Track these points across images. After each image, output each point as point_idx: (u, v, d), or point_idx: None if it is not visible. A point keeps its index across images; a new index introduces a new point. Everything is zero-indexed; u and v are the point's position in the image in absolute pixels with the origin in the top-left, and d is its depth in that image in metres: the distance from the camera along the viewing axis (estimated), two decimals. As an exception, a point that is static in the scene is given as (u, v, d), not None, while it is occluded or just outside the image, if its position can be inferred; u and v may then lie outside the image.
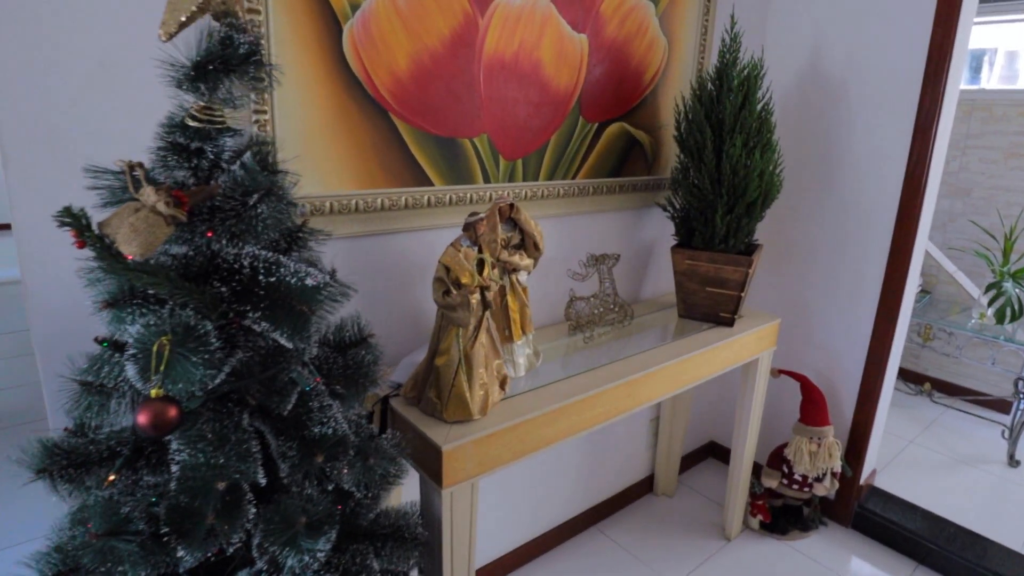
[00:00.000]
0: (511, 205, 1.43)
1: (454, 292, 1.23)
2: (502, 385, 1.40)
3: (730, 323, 1.87)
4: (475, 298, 1.25)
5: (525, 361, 1.53)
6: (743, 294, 1.83)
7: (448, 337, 1.28)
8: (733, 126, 1.74)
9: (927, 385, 3.42)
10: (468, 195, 1.57)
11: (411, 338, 1.57)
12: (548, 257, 1.80)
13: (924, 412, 3.23)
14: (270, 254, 0.85)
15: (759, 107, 1.77)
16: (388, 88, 1.36)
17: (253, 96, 1.19)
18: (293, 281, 0.83)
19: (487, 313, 1.31)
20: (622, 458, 2.32)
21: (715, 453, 2.74)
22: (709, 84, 1.79)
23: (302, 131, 1.28)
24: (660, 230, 2.14)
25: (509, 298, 1.46)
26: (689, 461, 2.63)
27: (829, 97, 2.11)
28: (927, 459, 2.77)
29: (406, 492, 1.57)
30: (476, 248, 1.27)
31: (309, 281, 0.84)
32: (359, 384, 1.05)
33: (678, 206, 1.92)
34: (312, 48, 1.25)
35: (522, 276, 1.50)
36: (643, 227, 2.09)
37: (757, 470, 2.36)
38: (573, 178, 1.79)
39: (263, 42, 1.18)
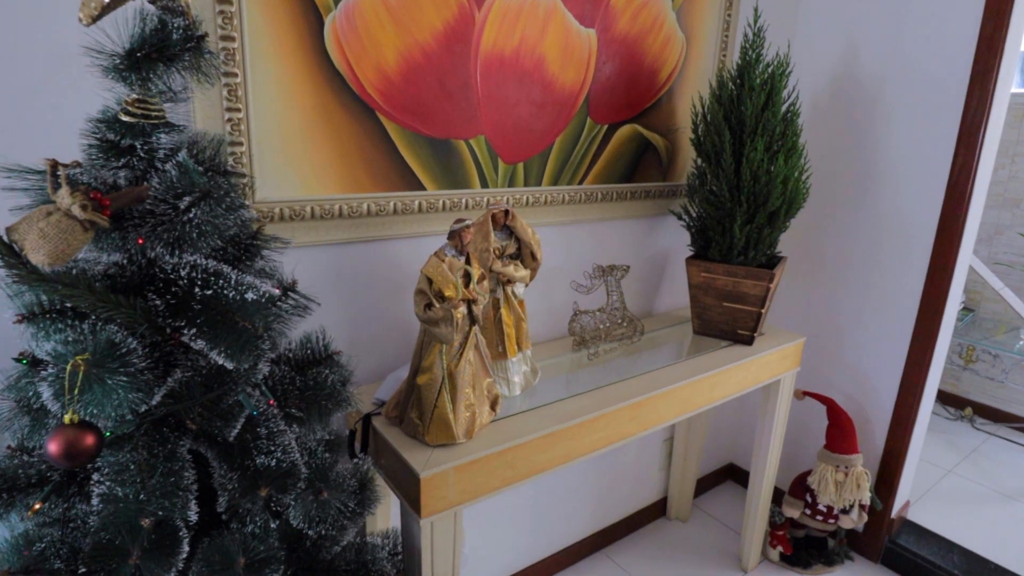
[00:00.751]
0: (506, 211, 1.32)
1: (436, 306, 1.13)
2: (493, 406, 1.30)
3: (749, 341, 1.73)
4: (460, 312, 1.15)
5: (521, 379, 1.42)
6: (764, 310, 1.69)
7: (431, 354, 1.18)
8: (755, 128, 1.61)
9: (968, 410, 3.19)
10: (464, 200, 1.47)
11: (400, 351, 1.48)
12: (551, 267, 1.69)
13: (964, 439, 3.00)
14: (211, 264, 0.76)
15: (784, 108, 1.64)
16: (375, 86, 1.28)
17: (225, 93, 1.12)
18: (232, 295, 0.75)
19: (475, 329, 1.21)
20: (633, 479, 2.19)
21: (734, 476, 2.58)
22: (729, 83, 1.66)
23: (280, 131, 1.20)
24: (674, 240, 2.01)
25: (503, 312, 1.36)
26: (705, 484, 2.48)
27: (864, 98, 1.96)
28: (966, 491, 2.56)
29: (395, 513, 1.47)
30: (463, 258, 1.17)
31: (250, 295, 0.75)
32: (322, 407, 0.96)
33: (694, 214, 1.80)
34: (290, 42, 1.17)
35: (518, 288, 1.40)
36: (656, 237, 1.96)
37: (778, 497, 2.20)
38: (580, 183, 1.68)
39: (235, 35, 1.10)
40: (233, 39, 1.10)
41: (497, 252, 1.35)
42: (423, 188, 1.40)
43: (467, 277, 1.17)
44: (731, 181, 1.64)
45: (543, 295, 1.70)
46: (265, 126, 1.18)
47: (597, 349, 1.64)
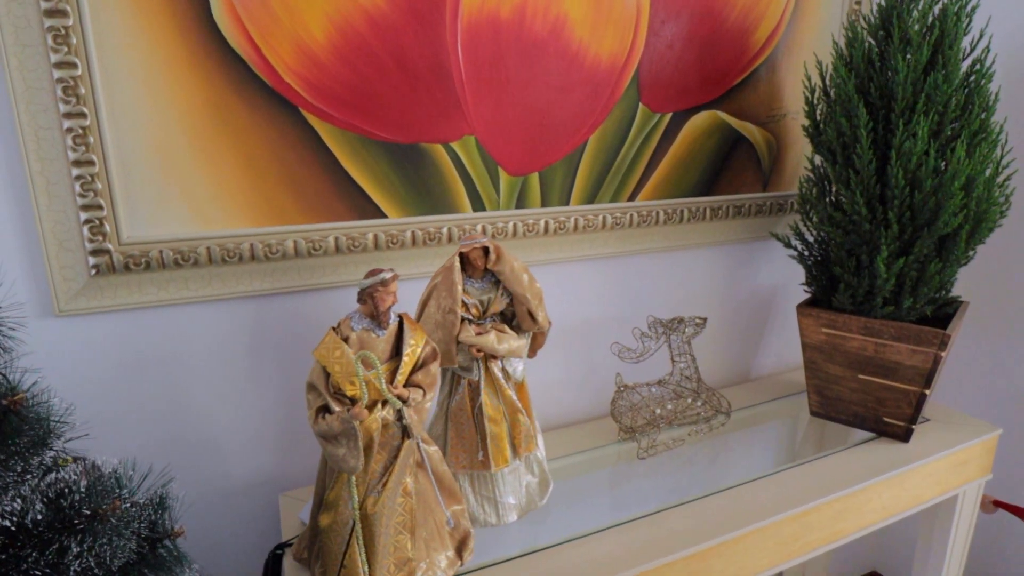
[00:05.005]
0: (484, 249, 0.86)
1: (334, 412, 0.70)
2: (459, 550, 0.84)
3: (904, 436, 1.11)
4: (373, 422, 0.71)
5: (520, 497, 0.95)
6: (928, 390, 1.07)
7: (337, 483, 0.75)
8: (911, 103, 1.01)
9: None
10: (445, 230, 1.03)
11: (360, 442, 1.06)
12: (587, 318, 1.19)
13: None
14: None
15: (964, 67, 1.02)
16: (295, 71, 0.88)
17: (60, 92, 0.77)
18: None
19: (414, 443, 0.76)
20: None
21: (884, 591, 1.87)
22: (865, 35, 1.07)
23: (155, 142, 0.83)
24: (780, 275, 1.41)
25: (485, 401, 0.89)
26: (840, 602, 1.80)
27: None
28: None
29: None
30: (382, 333, 0.73)
31: None
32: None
33: (811, 239, 1.21)
34: (157, 14, 0.80)
35: (514, 366, 0.93)
36: (751, 272, 1.38)
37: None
38: (630, 199, 1.17)
39: (66, 6, 0.75)
40: (64, 13, 0.75)
41: (476, 311, 0.89)
42: (382, 215, 0.98)
43: (401, 360, 0.73)
44: (870, 188, 1.05)
45: (576, 355, 1.21)
46: (129, 136, 0.82)
47: (653, 441, 1.11)
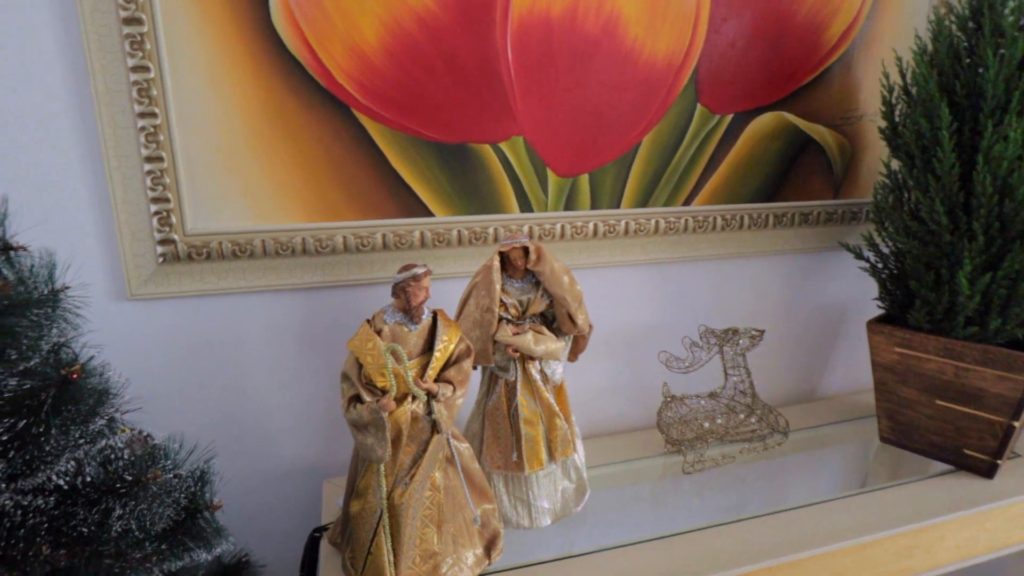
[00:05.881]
0: (525, 249, 0.86)
1: (364, 402, 0.71)
2: (488, 548, 0.83)
3: (986, 471, 1.01)
4: (402, 414, 0.72)
5: (555, 502, 0.93)
6: (1017, 422, 0.96)
7: (368, 472, 0.76)
8: (1004, 101, 0.91)
9: None
10: (491, 230, 1.03)
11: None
12: (637, 324, 1.16)
13: None
14: None
15: (1067, 63, 0.91)
16: (348, 72, 0.91)
17: (135, 93, 0.84)
18: None
19: (444, 438, 0.76)
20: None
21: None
22: (953, 28, 0.98)
23: (218, 140, 0.89)
24: (851, 289, 1.31)
25: (521, 403, 0.88)
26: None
27: None
28: None
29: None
30: (415, 327, 0.74)
31: None
32: None
33: (886, 251, 1.12)
34: (222, 20, 0.86)
35: (553, 368, 0.91)
36: (817, 283, 1.29)
37: None
38: (685, 203, 1.13)
39: (142, 15, 0.82)
40: (140, 21, 0.82)
41: (515, 311, 0.88)
42: (428, 213, 1.00)
43: (427, 356, 0.73)
44: (952, 195, 0.96)
45: (623, 362, 1.18)
46: (195, 135, 0.88)
47: (700, 456, 1.06)
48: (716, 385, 1.11)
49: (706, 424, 1.07)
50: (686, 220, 1.12)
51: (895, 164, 1.09)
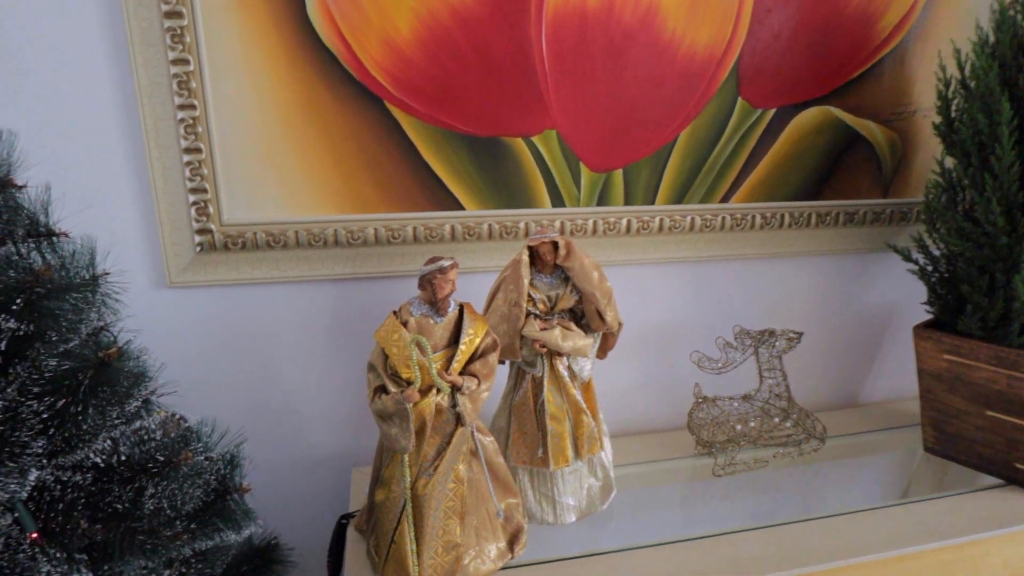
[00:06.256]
0: (554, 244, 0.85)
1: (389, 392, 0.72)
2: (511, 542, 0.83)
3: (1040, 487, 0.95)
4: (426, 406, 0.72)
5: (580, 499, 0.92)
6: (1076, 437, 0.90)
7: (393, 462, 0.77)
8: (1070, 97, 0.86)
9: None
10: (522, 224, 1.02)
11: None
12: (664, 324, 1.14)
13: None
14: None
15: None
16: (381, 65, 0.91)
17: (175, 86, 0.86)
18: None
19: (468, 431, 0.76)
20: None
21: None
22: (1018, 17, 0.93)
23: (253, 132, 0.90)
24: (898, 292, 1.26)
25: (547, 398, 0.88)
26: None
27: None
28: None
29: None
30: (440, 319, 0.73)
31: None
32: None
33: (936, 253, 1.06)
34: (259, 13, 0.87)
35: (581, 365, 0.90)
36: (861, 286, 1.24)
37: None
38: (723, 201, 1.09)
39: (182, 8, 0.83)
40: (180, 15, 0.84)
41: (543, 306, 0.87)
42: (459, 207, 1.00)
43: (453, 349, 0.73)
44: (1010, 195, 0.90)
45: (654, 361, 1.16)
46: (231, 127, 0.90)
47: (732, 459, 1.04)
48: (750, 387, 1.08)
49: (738, 427, 1.04)
50: (723, 218, 1.09)
51: (949, 162, 1.04)
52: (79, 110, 0.85)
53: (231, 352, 0.98)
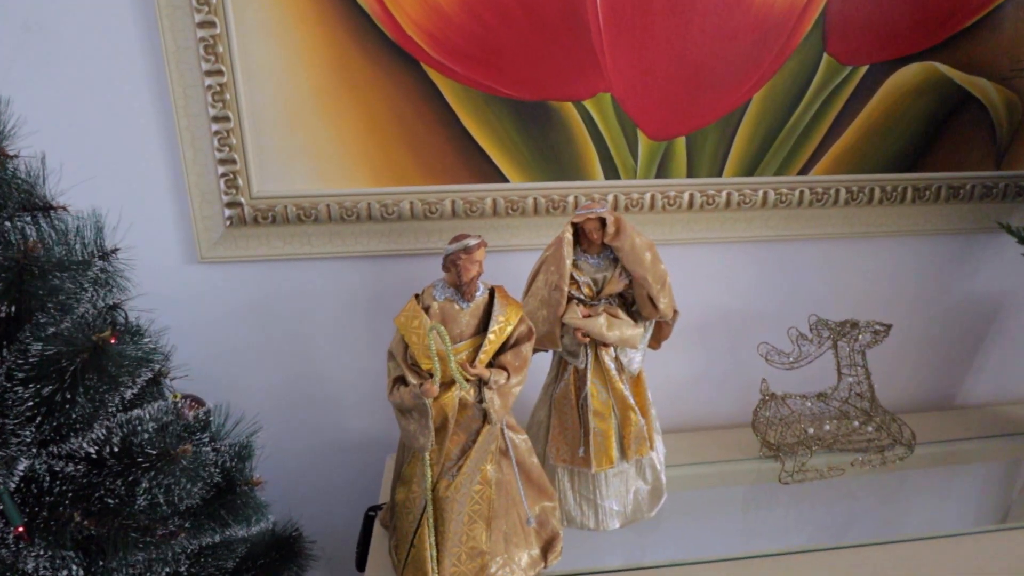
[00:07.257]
0: (602, 220, 0.75)
1: (409, 384, 0.65)
2: (545, 550, 0.76)
3: None
4: (449, 401, 0.65)
5: (625, 504, 0.84)
6: None
7: (415, 458, 0.71)
8: None
9: None
10: (571, 198, 0.93)
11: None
12: (728, 310, 1.02)
13: None
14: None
15: None
16: (419, 23, 0.84)
17: (202, 51, 0.81)
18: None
19: (497, 428, 0.69)
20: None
21: None
22: None
23: (283, 100, 0.85)
24: (1009, 279, 1.08)
25: (591, 393, 0.79)
26: None
27: None
28: None
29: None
30: (467, 304, 0.66)
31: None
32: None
33: (1063, 234, 0.90)
34: (288, -33, 0.81)
35: (631, 357, 0.81)
36: (965, 271, 1.08)
37: None
38: (801, 173, 0.96)
39: (208, -36, 0.78)
40: (207, -27, 0.79)
41: (588, 290, 0.78)
42: (502, 178, 0.91)
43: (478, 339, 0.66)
44: None
45: (716, 352, 1.05)
46: (260, 93, 0.85)
47: (802, 464, 0.92)
48: (825, 385, 0.95)
49: (811, 429, 0.93)
50: (802, 192, 0.96)
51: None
52: (110, 82, 0.82)
53: (263, 331, 0.95)
